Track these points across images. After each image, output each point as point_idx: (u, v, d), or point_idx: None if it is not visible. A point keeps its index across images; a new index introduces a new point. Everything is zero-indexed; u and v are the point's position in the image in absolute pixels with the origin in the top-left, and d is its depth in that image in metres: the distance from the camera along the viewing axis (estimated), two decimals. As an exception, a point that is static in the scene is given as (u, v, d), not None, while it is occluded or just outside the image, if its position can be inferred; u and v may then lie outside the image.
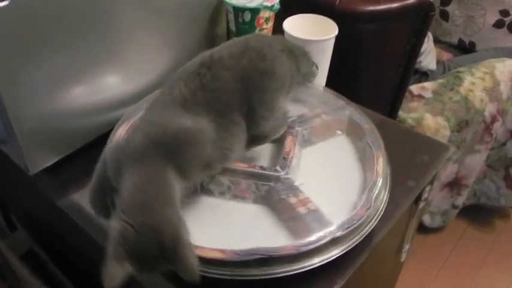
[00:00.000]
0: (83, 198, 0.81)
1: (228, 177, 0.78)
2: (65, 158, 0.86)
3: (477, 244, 1.93)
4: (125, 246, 0.58)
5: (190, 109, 0.69)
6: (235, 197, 0.79)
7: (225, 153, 0.72)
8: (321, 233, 0.68)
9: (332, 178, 0.83)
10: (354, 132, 0.89)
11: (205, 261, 0.64)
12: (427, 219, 1.84)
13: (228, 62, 0.73)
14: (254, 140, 0.79)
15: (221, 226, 0.75)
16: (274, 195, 0.77)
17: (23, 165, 0.82)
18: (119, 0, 0.82)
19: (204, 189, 0.78)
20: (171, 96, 0.71)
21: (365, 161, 0.84)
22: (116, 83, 0.89)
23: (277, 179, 0.77)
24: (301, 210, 0.73)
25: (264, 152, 0.85)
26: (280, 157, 0.81)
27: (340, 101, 0.92)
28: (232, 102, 0.72)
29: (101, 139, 0.85)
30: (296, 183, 0.77)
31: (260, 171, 0.78)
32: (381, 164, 0.79)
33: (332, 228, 0.68)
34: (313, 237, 0.67)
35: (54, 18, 0.74)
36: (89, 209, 0.78)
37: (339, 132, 0.91)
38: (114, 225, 0.59)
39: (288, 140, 0.83)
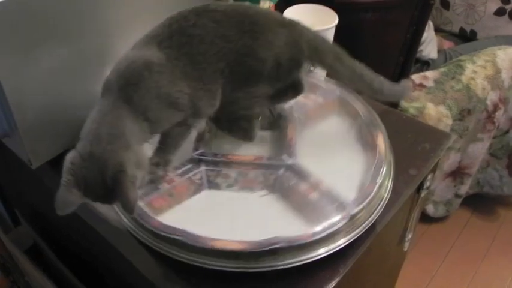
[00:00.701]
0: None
1: (235, 170, 0.78)
2: (67, 150, 0.86)
3: (481, 233, 1.93)
4: (73, 174, 0.62)
5: (163, 50, 0.69)
6: (243, 188, 0.79)
7: (195, 102, 0.71)
8: (337, 217, 0.69)
9: (335, 160, 0.84)
10: (347, 112, 0.91)
11: (221, 253, 0.65)
12: (430, 209, 1.84)
13: (219, 16, 0.72)
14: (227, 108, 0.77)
15: (232, 218, 0.75)
16: (284, 183, 0.77)
17: (26, 159, 0.82)
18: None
19: (211, 184, 0.78)
20: (153, 33, 0.72)
21: (362, 140, 0.85)
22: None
23: (287, 167, 0.78)
24: (314, 195, 0.74)
25: (263, 140, 0.86)
26: (285, 144, 0.81)
27: (330, 85, 0.94)
28: (207, 55, 0.71)
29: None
30: (304, 169, 0.78)
31: (268, 161, 0.79)
32: (381, 141, 0.81)
33: (347, 208, 0.69)
34: (329, 221, 0.69)
35: (55, 12, 0.74)
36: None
37: (333, 113, 0.92)
38: (68, 154, 0.64)
39: (290, 128, 0.83)
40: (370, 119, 0.87)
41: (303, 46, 0.75)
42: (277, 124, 0.87)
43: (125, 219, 0.72)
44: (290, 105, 0.87)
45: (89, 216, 0.77)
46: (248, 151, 0.82)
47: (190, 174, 0.78)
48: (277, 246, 0.65)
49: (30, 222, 1.21)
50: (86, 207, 0.78)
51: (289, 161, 0.78)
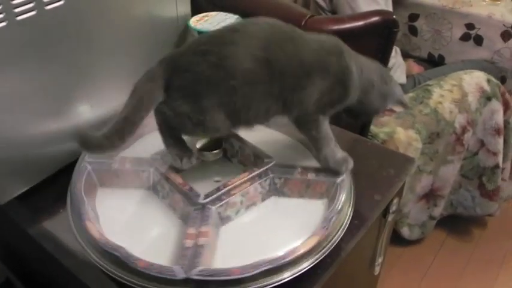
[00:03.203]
0: (54, 226, 0.82)
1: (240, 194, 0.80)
2: (35, 186, 0.87)
3: (457, 254, 1.95)
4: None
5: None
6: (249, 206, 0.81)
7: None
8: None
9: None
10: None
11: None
12: (405, 232, 1.86)
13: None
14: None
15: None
16: (277, 183, 0.83)
17: (-7, 195, 0.82)
18: (87, 25, 0.84)
19: (222, 217, 0.79)
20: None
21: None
22: (85, 109, 0.90)
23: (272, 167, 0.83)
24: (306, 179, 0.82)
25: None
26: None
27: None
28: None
29: (71, 166, 0.86)
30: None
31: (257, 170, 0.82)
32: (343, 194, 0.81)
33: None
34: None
35: (20, 43, 0.75)
36: (61, 236, 0.79)
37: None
38: None
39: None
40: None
41: None
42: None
43: (90, 253, 0.73)
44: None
45: (57, 250, 0.77)
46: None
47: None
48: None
49: (3, 259, 1.20)
50: (53, 240, 0.79)
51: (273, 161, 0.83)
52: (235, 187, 0.78)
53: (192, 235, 0.72)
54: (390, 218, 0.93)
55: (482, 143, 1.79)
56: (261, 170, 0.81)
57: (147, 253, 0.70)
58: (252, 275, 0.66)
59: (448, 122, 1.64)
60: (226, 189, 0.78)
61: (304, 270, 0.69)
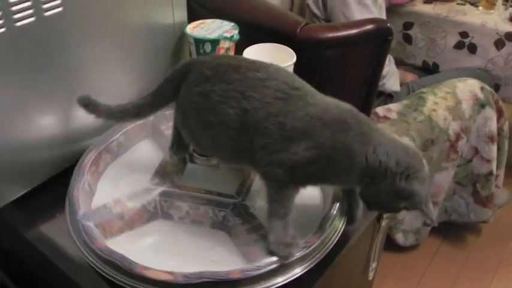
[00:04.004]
0: (51, 230, 0.82)
1: (187, 203, 0.81)
2: (32, 190, 0.87)
3: (451, 260, 1.96)
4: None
5: None
6: (194, 222, 0.81)
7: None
8: (268, 260, 0.70)
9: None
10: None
11: (154, 283, 0.67)
12: (400, 238, 1.87)
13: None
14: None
15: (176, 249, 0.78)
16: (230, 221, 0.80)
17: (-11, 199, 0.83)
18: (85, 32, 0.85)
19: (164, 214, 0.81)
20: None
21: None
22: (81, 114, 0.90)
23: (233, 205, 0.81)
24: (253, 236, 0.77)
25: (226, 177, 0.88)
26: (239, 183, 0.84)
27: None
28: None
29: (67, 171, 0.87)
30: (251, 210, 0.81)
31: (217, 197, 0.82)
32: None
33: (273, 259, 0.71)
34: (260, 263, 0.70)
35: (19, 49, 0.76)
36: (58, 240, 0.79)
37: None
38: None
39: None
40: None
41: None
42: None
43: (85, 253, 0.74)
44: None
45: (54, 254, 0.78)
46: (203, 184, 0.85)
47: (145, 202, 0.81)
48: (203, 280, 0.67)
49: (-2, 263, 1.20)
50: (50, 244, 0.79)
51: (237, 200, 0.82)
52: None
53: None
54: (384, 223, 0.94)
55: (476, 150, 1.80)
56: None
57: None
58: (249, 278, 0.68)
59: (442, 129, 1.65)
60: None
61: (298, 275, 0.70)
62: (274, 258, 0.70)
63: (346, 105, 0.74)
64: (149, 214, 0.82)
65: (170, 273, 0.68)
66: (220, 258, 0.76)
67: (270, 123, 0.71)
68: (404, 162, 0.70)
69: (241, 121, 0.72)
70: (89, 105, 0.83)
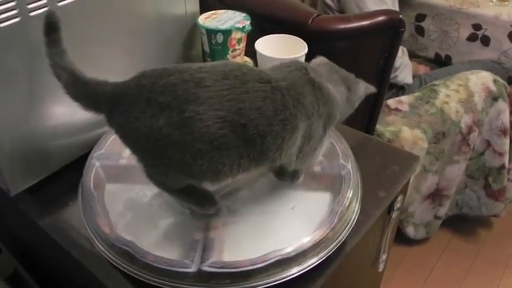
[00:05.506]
0: (64, 218, 0.83)
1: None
2: (46, 178, 0.88)
3: (462, 254, 1.95)
4: None
5: None
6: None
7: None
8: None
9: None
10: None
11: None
12: (410, 231, 1.87)
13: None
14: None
15: None
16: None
17: (5, 186, 0.84)
18: (98, 22, 0.86)
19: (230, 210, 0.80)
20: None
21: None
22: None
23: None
24: None
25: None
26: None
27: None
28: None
29: (80, 160, 0.87)
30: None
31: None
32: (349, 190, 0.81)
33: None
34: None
35: (32, 39, 0.76)
36: (70, 228, 0.80)
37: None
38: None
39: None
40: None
41: None
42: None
43: (97, 243, 0.74)
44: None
45: (67, 242, 0.78)
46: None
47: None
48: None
49: (11, 250, 1.22)
50: (63, 232, 0.80)
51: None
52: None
53: (202, 228, 0.74)
54: (394, 214, 0.93)
55: (488, 143, 1.79)
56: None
57: (156, 247, 0.72)
58: (261, 267, 0.68)
59: (454, 121, 1.65)
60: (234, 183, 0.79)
61: (313, 265, 0.71)
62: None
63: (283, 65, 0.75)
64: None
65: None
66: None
67: (271, 121, 0.66)
68: (343, 82, 0.85)
69: (240, 135, 0.65)
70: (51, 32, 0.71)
